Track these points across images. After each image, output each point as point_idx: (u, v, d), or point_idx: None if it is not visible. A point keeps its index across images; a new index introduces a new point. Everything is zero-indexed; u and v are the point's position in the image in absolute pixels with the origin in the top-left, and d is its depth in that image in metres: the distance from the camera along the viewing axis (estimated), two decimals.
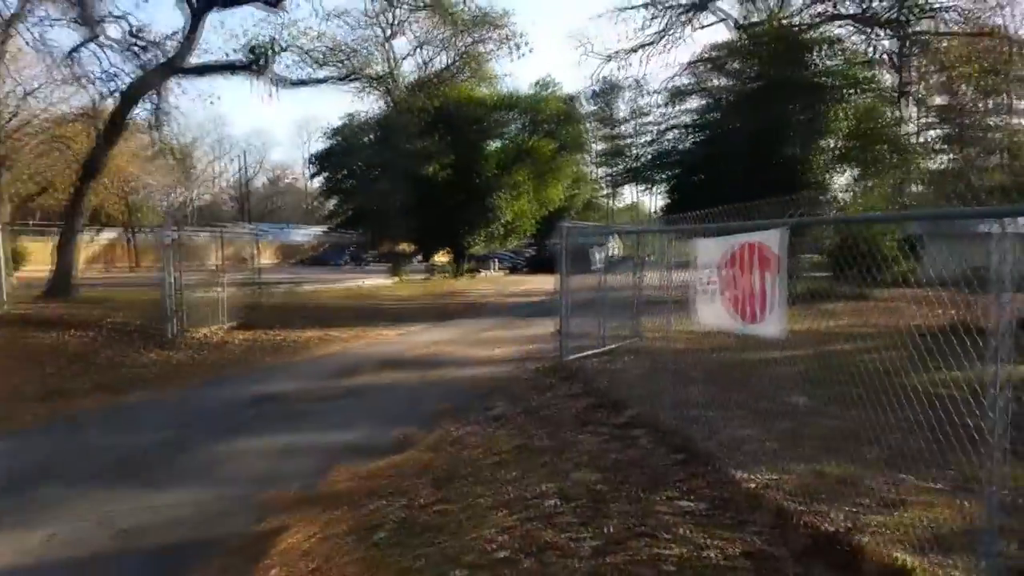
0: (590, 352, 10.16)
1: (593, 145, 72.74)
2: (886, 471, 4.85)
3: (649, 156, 29.05)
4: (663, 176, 26.77)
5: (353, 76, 21.67)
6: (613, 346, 10.83)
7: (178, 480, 4.85)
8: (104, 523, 4.04)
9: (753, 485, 4.64)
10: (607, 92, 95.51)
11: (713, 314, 5.04)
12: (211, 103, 34.73)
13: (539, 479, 4.87)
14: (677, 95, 30.42)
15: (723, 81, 26.93)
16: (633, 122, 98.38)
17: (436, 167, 29.32)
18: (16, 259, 35.86)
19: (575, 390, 7.90)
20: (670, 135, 26.40)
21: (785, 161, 22.19)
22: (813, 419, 5.93)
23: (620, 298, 11.52)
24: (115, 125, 18.40)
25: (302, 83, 20.37)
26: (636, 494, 4.57)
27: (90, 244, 44.60)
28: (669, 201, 25.24)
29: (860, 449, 4.89)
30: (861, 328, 10.41)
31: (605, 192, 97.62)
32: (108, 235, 47.26)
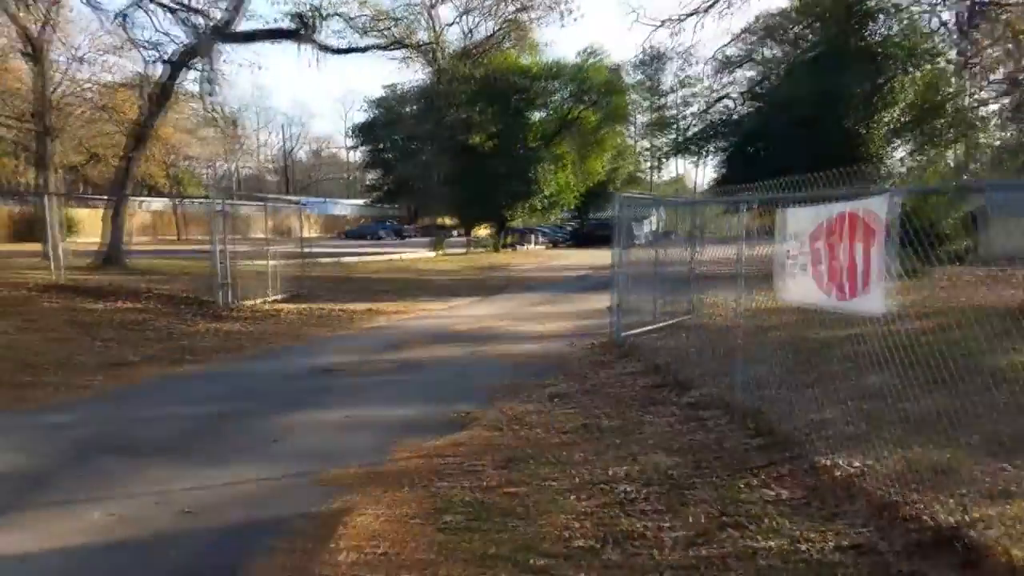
0: (645, 328, 9.84)
1: (637, 117, 71.49)
2: (984, 459, 4.51)
3: (699, 127, 28.26)
4: (714, 147, 26.06)
5: (396, 44, 21.38)
6: (668, 322, 10.49)
7: (238, 455, 4.72)
8: (165, 501, 3.91)
9: (841, 472, 4.33)
10: (652, 62, 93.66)
11: (800, 289, 4.69)
12: (258, 69, 34.62)
13: (609, 462, 4.63)
14: (728, 65, 29.50)
15: (778, 51, 25.94)
16: (678, 93, 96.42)
17: (481, 137, 28.85)
18: (66, 229, 36.75)
19: (634, 368, 7.62)
20: (722, 105, 25.69)
21: (843, 133, 21.38)
22: (896, 401, 5.57)
23: (671, 273, 11.17)
24: (163, 93, 18.47)
25: (346, 51, 20.15)
26: (716, 480, 4.30)
27: (136, 214, 45.48)
28: (721, 173, 24.57)
29: (952, 435, 4.55)
30: (931, 307, 9.90)
31: (648, 165, 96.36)
32: (155, 205, 48.15)
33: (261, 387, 6.61)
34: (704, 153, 26.67)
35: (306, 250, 15.76)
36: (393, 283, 18.43)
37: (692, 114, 31.35)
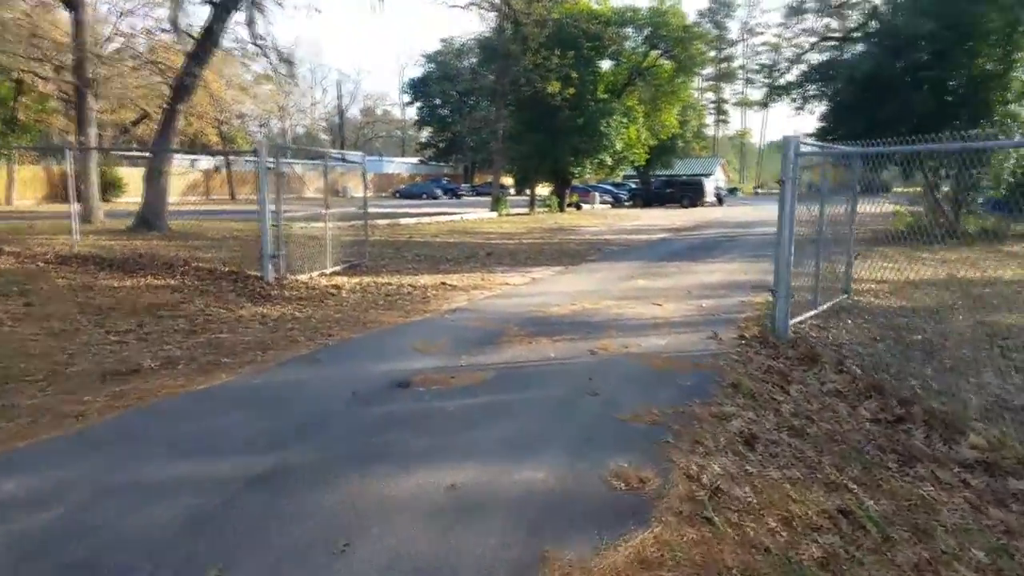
0: (808, 315, 7.59)
1: (702, 69, 67.38)
2: None
3: (798, 72, 25.09)
4: (812, 94, 22.97)
5: None
6: (824, 306, 8.20)
7: None
8: None
9: None
10: (717, 11, 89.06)
11: None
12: (316, 12, 32.80)
13: None
14: (798, 11, 26.19)
15: None
16: (747, 42, 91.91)
17: (556, 85, 26.36)
18: (110, 188, 35.85)
19: (834, 382, 5.39)
20: (820, 48, 22.52)
21: (974, 76, 18.25)
22: None
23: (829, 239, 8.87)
24: (207, 36, 16.57)
25: None
26: None
27: (187, 173, 44.50)
28: (824, 124, 21.60)
29: None
30: None
31: (713, 119, 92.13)
32: (205, 163, 47.19)
33: (317, 418, 4.61)
34: (801, 101, 23.58)
35: (368, 211, 13.73)
36: (460, 248, 16.43)
37: (786, 60, 28.06)
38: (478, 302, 9.32)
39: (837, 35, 23.21)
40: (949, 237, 16.30)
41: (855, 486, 3.65)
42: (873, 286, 10.26)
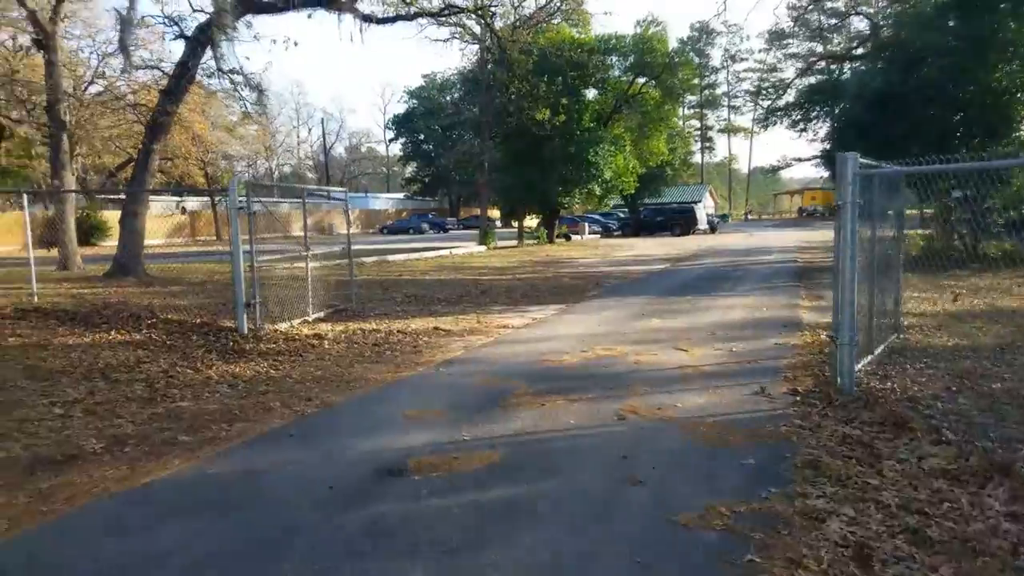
0: (863, 363, 6.55)
1: (685, 97, 67.48)
2: None
3: (796, 93, 24.47)
4: (815, 114, 22.30)
5: (448, 9, 18.21)
6: (879, 349, 7.18)
7: None
8: None
9: None
10: (699, 39, 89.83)
11: None
12: (293, 45, 32.45)
13: None
14: (779, 36, 25.69)
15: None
16: (730, 68, 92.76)
17: (544, 113, 25.72)
18: (94, 232, 34.73)
19: (932, 456, 4.34)
20: (819, 68, 21.97)
21: (993, 92, 17.49)
22: None
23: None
24: (181, 72, 15.67)
25: (392, 19, 17.08)
26: None
27: (172, 216, 43.51)
28: (828, 146, 20.87)
29: None
30: None
31: (698, 147, 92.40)
32: (192, 205, 46.28)
33: (281, 532, 3.48)
34: (803, 122, 22.93)
35: (353, 248, 12.66)
36: (452, 287, 15.40)
37: (774, 84, 27.59)
38: (476, 351, 8.26)
39: (835, 53, 22.65)
40: (971, 261, 15.42)
41: None
42: (914, 320, 9.30)
